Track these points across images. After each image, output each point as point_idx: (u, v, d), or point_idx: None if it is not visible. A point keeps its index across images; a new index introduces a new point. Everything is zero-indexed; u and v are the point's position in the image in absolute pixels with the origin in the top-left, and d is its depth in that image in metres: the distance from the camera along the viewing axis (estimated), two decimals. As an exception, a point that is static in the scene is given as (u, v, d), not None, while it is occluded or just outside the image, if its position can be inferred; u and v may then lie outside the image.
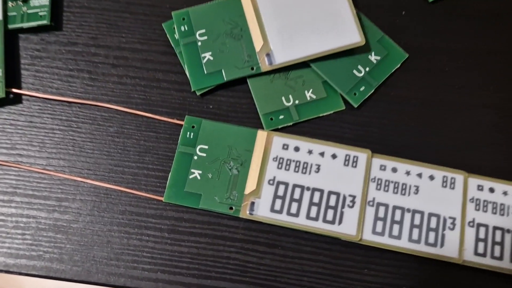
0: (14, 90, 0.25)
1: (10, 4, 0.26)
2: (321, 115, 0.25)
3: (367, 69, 0.26)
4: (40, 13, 0.26)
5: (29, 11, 0.26)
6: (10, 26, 0.26)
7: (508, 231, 0.23)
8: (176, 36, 0.26)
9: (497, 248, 0.23)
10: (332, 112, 0.25)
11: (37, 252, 0.23)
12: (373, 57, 0.26)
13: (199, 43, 0.25)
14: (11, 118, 0.25)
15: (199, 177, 0.23)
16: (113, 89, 0.25)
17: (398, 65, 0.26)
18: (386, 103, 0.26)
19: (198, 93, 0.25)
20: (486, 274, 0.23)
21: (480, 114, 0.26)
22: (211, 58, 0.25)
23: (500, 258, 0.23)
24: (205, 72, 0.25)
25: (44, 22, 0.26)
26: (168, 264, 0.23)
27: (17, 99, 0.25)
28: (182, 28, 0.26)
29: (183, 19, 0.26)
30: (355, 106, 0.25)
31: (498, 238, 0.23)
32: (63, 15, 0.27)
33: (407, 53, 0.27)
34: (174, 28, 0.26)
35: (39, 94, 0.25)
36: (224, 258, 0.23)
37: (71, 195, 0.24)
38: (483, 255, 0.23)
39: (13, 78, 0.25)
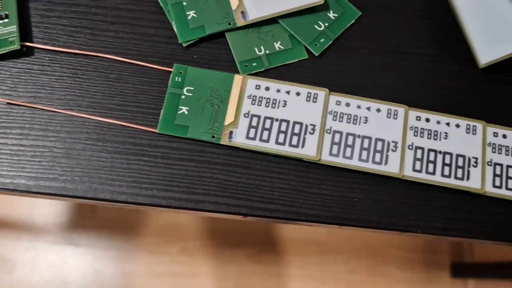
0: (27, 44, 0.29)
1: (20, -29, 0.30)
2: (287, 62, 0.30)
3: (326, 24, 0.31)
4: (47, -21, 0.30)
5: (37, -23, 0.30)
6: (21, -10, 0.30)
7: (440, 152, 0.28)
8: (165, -3, 0.30)
9: (431, 166, 0.28)
10: (297, 60, 0.30)
11: (53, 175, 0.27)
12: (331, 14, 0.31)
13: (185, 3, 0.30)
14: (25, 67, 0.29)
15: (186, 112, 0.28)
16: (112, 42, 0.30)
17: (353, 21, 0.31)
18: (342, 52, 0.31)
19: (184, 45, 0.30)
20: (420, 186, 0.28)
21: (417, 61, 0.31)
22: (195, 15, 0.30)
23: (433, 173, 0.28)
24: (190, 27, 0.30)
25: (51, -14, 0.30)
26: (162, 183, 0.27)
27: (30, 51, 0.29)
28: (170, -10, 0.30)
29: (170, -18, 0.30)
30: (316, 54, 0.30)
31: (431, 157, 0.28)
32: (66, -19, 0.31)
33: (360, 11, 0.32)
34: (162, -10, 0.30)
35: (48, 47, 0.29)
36: (208, 178, 0.28)
37: (79, 129, 0.28)
38: (419, 171, 0.28)
39: (26, 33, 0.30)
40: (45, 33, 0.30)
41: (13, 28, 0.29)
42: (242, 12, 0.30)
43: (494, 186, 0.28)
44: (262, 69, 0.30)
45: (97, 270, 0.83)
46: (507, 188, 0.28)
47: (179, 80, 0.29)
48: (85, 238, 0.83)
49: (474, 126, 0.29)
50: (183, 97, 0.29)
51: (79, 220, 0.84)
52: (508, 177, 0.28)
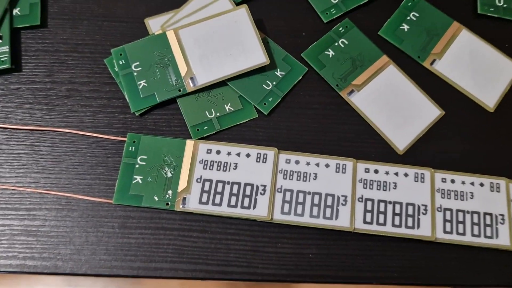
0: (-15, 124, 0.30)
1: (-24, 53, 0.31)
2: (238, 123, 0.31)
3: (274, 82, 0.32)
4: (2, 59, 0.31)
5: (-7, 58, 0.31)
6: (-22, 72, 0.31)
7: (390, 202, 0.29)
8: (116, 68, 0.31)
9: (381, 217, 0.29)
10: (247, 120, 0.31)
11: (13, 253, 0.28)
12: (279, 73, 0.32)
13: (135, 73, 0.31)
14: (-16, 147, 0.30)
15: (140, 182, 0.29)
16: (67, 116, 0.31)
17: (300, 77, 0.32)
18: (291, 109, 0.32)
19: (137, 114, 0.31)
20: (373, 238, 0.29)
21: (366, 112, 0.32)
22: (146, 84, 0.31)
23: (384, 224, 0.29)
24: (141, 96, 0.31)
25: (6, 66, 0.31)
26: (120, 253, 0.28)
27: (-12, 131, 0.31)
28: (120, 62, 0.31)
29: (121, 54, 0.32)
30: (266, 113, 0.31)
31: (382, 208, 0.29)
32: (22, 58, 0.32)
33: (306, 67, 0.33)
34: (114, 62, 0.32)
35: (5, 125, 0.30)
36: (165, 245, 0.28)
37: (38, 205, 0.29)
38: (370, 223, 0.29)
39: (-17, 114, 0.31)
40: (1, 112, 0.31)
41: (-30, 110, 0.30)
42: (192, 78, 0.31)
43: (445, 232, 0.29)
44: (213, 132, 0.31)
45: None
46: (457, 233, 0.29)
47: (133, 150, 0.30)
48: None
49: (422, 174, 0.30)
50: (137, 166, 0.29)
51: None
52: (458, 222, 0.29)
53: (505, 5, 0.35)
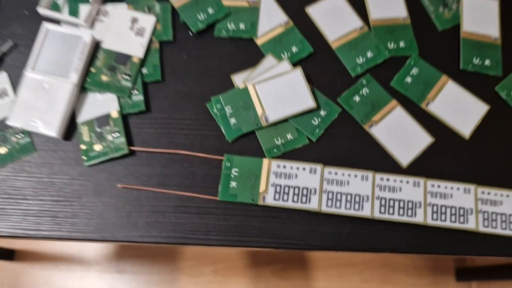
0: (132, 148, 0.47)
1: (122, 100, 0.48)
2: (296, 147, 0.47)
3: (319, 119, 0.48)
4: (139, 104, 0.48)
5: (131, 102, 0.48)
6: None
7: (396, 200, 0.45)
8: (215, 110, 0.47)
9: (391, 209, 0.44)
10: (302, 145, 0.47)
11: (153, 232, 0.44)
12: (322, 112, 0.48)
13: (228, 114, 0.47)
14: (132, 162, 0.46)
15: (235, 186, 0.45)
16: (184, 142, 0.47)
17: (336, 116, 0.48)
18: (331, 137, 0.48)
19: (230, 141, 0.47)
20: (388, 223, 0.44)
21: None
22: (235, 121, 0.47)
23: (392, 213, 0.44)
24: (232, 129, 0.47)
25: (142, 109, 0.47)
26: (222, 230, 0.44)
27: (133, 152, 0.47)
28: (218, 106, 0.47)
29: (217, 100, 0.48)
30: (314, 141, 0.47)
31: (391, 204, 0.45)
32: (151, 104, 0.48)
33: (340, 108, 0.48)
34: (213, 105, 0.48)
35: (143, 149, 0.47)
36: (251, 226, 0.44)
37: (167, 200, 0.45)
38: (384, 213, 0.44)
39: (129, 140, 0.47)
40: (141, 139, 0.47)
41: (122, 139, 0.46)
42: (265, 117, 0.47)
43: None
44: (280, 153, 0.47)
45: (142, 293, 0.94)
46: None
47: (229, 165, 0.46)
48: (130, 265, 0.97)
49: (418, 181, 0.45)
50: (232, 176, 0.45)
51: (124, 250, 0.98)
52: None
53: (480, 63, 0.50)
